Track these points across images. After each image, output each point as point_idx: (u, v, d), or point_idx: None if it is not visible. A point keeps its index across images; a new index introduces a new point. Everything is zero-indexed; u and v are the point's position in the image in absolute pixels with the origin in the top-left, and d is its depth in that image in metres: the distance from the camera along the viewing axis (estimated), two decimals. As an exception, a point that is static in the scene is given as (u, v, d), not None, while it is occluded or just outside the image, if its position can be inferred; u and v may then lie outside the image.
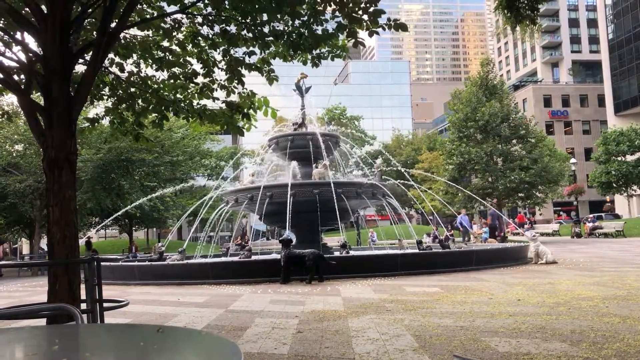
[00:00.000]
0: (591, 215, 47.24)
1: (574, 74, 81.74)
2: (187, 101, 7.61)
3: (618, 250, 20.33)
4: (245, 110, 7.40)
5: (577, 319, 6.57)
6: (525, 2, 8.57)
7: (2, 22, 6.30)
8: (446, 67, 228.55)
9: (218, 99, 7.55)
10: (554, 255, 16.00)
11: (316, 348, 5.53)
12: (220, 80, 7.59)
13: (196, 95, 7.64)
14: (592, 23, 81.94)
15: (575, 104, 72.43)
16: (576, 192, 43.87)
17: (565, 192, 45.85)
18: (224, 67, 7.47)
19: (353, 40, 6.25)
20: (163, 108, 7.50)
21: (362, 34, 6.35)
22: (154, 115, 7.72)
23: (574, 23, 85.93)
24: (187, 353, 1.29)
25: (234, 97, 7.58)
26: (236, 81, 7.45)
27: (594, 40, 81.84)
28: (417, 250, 16.65)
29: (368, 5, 6.00)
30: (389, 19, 6.04)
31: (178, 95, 7.66)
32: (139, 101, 7.59)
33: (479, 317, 6.99)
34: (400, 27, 6.01)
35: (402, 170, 28.43)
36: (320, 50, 6.87)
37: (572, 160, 44.50)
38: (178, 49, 7.60)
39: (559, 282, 10.79)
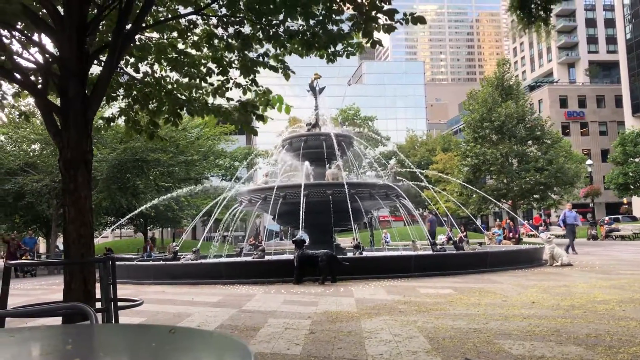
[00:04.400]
0: (608, 218, 46.67)
1: (591, 74, 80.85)
2: (202, 100, 7.64)
3: (635, 253, 20.08)
4: (260, 111, 7.42)
5: (593, 323, 6.50)
6: (538, 2, 8.49)
7: (20, 24, 6.38)
8: (461, 67, 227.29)
9: (232, 99, 7.58)
10: (570, 257, 15.84)
11: (329, 349, 5.53)
12: (235, 78, 7.61)
13: (210, 95, 7.67)
14: (610, 23, 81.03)
15: (592, 104, 71.66)
16: (592, 193, 43.42)
17: (581, 193, 45.38)
18: (239, 66, 7.49)
19: (370, 41, 6.24)
20: (177, 107, 7.55)
21: (378, 33, 6.32)
22: (167, 115, 7.77)
23: (591, 23, 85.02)
24: (198, 354, 1.30)
25: (249, 95, 7.61)
26: (251, 81, 7.48)
27: (611, 40, 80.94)
28: (430, 252, 16.60)
29: (382, 4, 5.99)
30: (405, 14, 6.02)
31: (192, 94, 7.70)
32: (153, 101, 7.65)
33: (492, 319, 6.94)
34: (419, 20, 5.98)
35: (416, 171, 28.34)
36: (335, 49, 6.87)
37: (589, 161, 44.06)
38: (193, 51, 7.65)
39: (574, 284, 10.67)
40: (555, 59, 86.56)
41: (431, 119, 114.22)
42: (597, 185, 49.79)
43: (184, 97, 7.65)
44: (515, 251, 17.01)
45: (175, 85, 7.73)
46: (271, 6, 6.28)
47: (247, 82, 7.50)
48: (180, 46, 7.67)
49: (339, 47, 6.87)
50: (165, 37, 7.64)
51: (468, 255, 15.84)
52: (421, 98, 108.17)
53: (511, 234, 31.32)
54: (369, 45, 6.42)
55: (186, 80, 7.65)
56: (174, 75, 7.81)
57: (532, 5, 8.10)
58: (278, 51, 7.23)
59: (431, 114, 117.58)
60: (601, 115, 71.45)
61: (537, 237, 24.31)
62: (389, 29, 6.07)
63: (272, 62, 7.35)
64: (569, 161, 38.06)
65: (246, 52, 7.34)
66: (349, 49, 6.95)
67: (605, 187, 54.67)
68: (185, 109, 7.58)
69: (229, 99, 7.61)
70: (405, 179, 22.72)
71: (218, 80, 7.62)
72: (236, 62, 7.47)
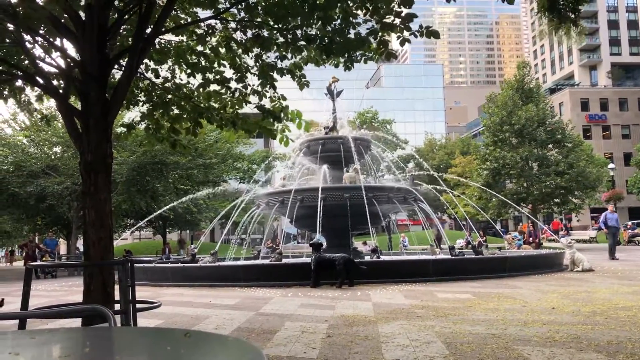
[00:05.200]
0: (630, 223, 45.91)
1: (614, 77, 79.74)
2: (221, 110, 7.69)
3: (658, 259, 19.72)
4: (277, 114, 7.45)
5: (614, 329, 6.40)
6: (568, 3, 8.41)
7: (42, 29, 6.49)
8: (480, 70, 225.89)
9: (250, 102, 7.62)
10: (591, 262, 15.63)
11: (345, 353, 5.52)
12: (253, 85, 7.66)
13: (229, 103, 7.72)
14: (633, 24, 79.98)
15: (614, 107, 70.65)
16: (614, 198, 42.77)
17: (603, 197, 44.73)
18: (257, 72, 7.53)
19: (385, 52, 6.23)
20: (197, 115, 7.60)
21: (394, 43, 6.32)
22: (188, 122, 7.83)
23: (613, 25, 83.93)
24: (213, 359, 1.31)
25: (265, 101, 7.64)
26: (268, 85, 7.51)
27: (634, 42, 79.85)
28: (449, 256, 16.49)
29: (400, 8, 5.97)
30: (420, 26, 6.00)
31: (212, 103, 7.76)
32: (174, 108, 7.71)
33: (511, 325, 6.86)
34: (432, 34, 5.96)
35: (435, 174, 28.20)
36: (352, 54, 6.87)
37: (611, 165, 43.42)
38: (212, 54, 7.70)
39: (595, 290, 10.52)
40: (576, 61, 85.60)
41: (450, 122, 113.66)
42: (620, 190, 49.06)
43: (203, 104, 7.71)
44: (535, 256, 16.81)
45: (195, 93, 7.79)
46: (289, 10, 6.30)
47: (265, 88, 7.54)
48: (199, 48, 7.73)
49: (357, 53, 6.87)
50: (184, 40, 7.70)
51: (487, 259, 15.70)
52: (440, 101, 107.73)
53: (531, 239, 31.02)
54: (383, 57, 6.40)
55: (205, 87, 7.69)
56: (194, 82, 7.87)
57: (561, 7, 8.03)
58: (296, 59, 7.27)
59: (450, 117, 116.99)
60: (624, 119, 70.41)
61: (558, 241, 24.01)
62: (403, 42, 6.05)
63: (290, 68, 7.38)
64: (590, 165, 37.54)
65: (263, 57, 7.38)
66: (367, 54, 6.94)
67: (628, 191, 53.89)
68: (204, 116, 7.63)
69: (247, 102, 7.65)
70: (423, 183, 22.60)
71: (236, 87, 7.66)
72: (255, 68, 7.51)
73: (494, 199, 35.68)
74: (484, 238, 28.26)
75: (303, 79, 7.47)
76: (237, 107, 7.66)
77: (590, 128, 69.36)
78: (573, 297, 9.52)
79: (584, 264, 15.02)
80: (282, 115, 7.43)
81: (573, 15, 8.66)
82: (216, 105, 7.71)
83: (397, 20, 5.98)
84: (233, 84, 7.69)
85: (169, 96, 7.66)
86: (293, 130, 8.07)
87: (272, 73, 7.36)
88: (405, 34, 5.94)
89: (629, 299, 9.07)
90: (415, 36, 5.96)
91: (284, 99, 7.55)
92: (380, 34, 6.15)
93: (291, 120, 7.55)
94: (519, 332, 6.38)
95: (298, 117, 7.53)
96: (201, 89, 7.64)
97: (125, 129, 7.89)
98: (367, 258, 16.46)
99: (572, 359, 5.00)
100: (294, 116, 7.53)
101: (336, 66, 7.17)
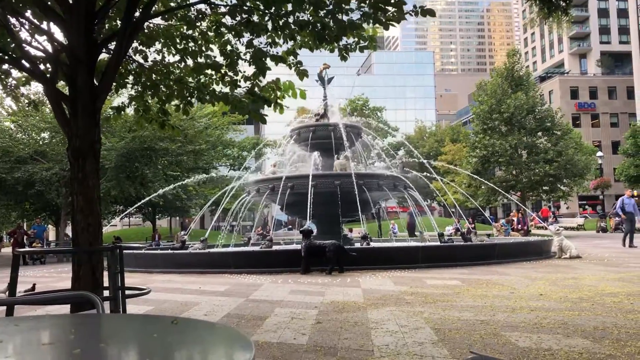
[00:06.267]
0: (618, 210, 46.29)
1: (603, 65, 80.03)
2: (211, 87, 7.62)
3: (645, 246, 19.91)
4: (272, 98, 7.37)
5: (601, 315, 6.47)
6: (558, -9, 8.39)
7: (28, 12, 6.38)
8: (471, 57, 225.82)
9: (240, 85, 7.55)
10: (578, 249, 15.77)
11: (335, 339, 5.54)
12: (244, 72, 7.57)
13: (220, 82, 7.63)
14: (623, 13, 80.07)
15: (603, 96, 71.02)
16: (602, 185, 43.12)
17: (591, 185, 45.07)
18: (248, 59, 7.43)
19: (379, 28, 6.17)
20: (187, 95, 7.53)
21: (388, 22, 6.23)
22: (177, 102, 7.76)
23: (603, 13, 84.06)
24: (199, 346, 1.30)
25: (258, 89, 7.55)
26: (258, 72, 7.41)
27: (624, 30, 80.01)
28: (438, 243, 16.58)
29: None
30: (415, 6, 5.96)
31: (201, 81, 7.67)
32: (163, 88, 7.63)
33: (499, 311, 6.92)
34: (428, 12, 5.91)
35: (425, 162, 28.26)
36: (347, 41, 6.80)
37: (599, 153, 43.69)
38: (200, 38, 7.62)
39: (582, 277, 10.63)
40: (566, 49, 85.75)
41: (440, 110, 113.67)
42: (608, 178, 49.40)
43: (193, 85, 7.64)
44: (523, 243, 16.94)
45: (184, 72, 7.71)
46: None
47: (257, 79, 7.43)
48: (189, 32, 7.64)
49: (351, 40, 6.79)
50: (173, 24, 7.61)
51: (476, 246, 15.80)
52: (430, 88, 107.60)
53: (519, 226, 31.24)
54: (383, 29, 6.31)
55: (197, 72, 7.60)
56: (183, 62, 7.78)
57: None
58: (289, 44, 7.17)
59: (440, 105, 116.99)
60: (612, 107, 70.81)
61: (546, 229, 24.22)
62: (399, 19, 6.00)
63: (283, 55, 7.25)
64: (579, 153, 37.74)
65: (255, 42, 7.29)
66: (361, 42, 6.86)
67: (615, 179, 54.28)
68: (195, 96, 7.56)
69: (237, 85, 7.57)
70: (413, 170, 22.65)
71: (227, 75, 7.58)
72: (246, 54, 7.40)
73: (483, 187, 35.85)
74: (473, 225, 28.42)
75: (300, 67, 7.22)
76: (227, 85, 7.59)
77: (580, 116, 69.71)
78: (560, 284, 9.61)
79: (571, 251, 15.16)
80: (273, 97, 7.36)
81: (564, 4, 8.65)
82: (205, 83, 7.63)
83: (390, 7, 5.94)
84: (223, 71, 7.62)
85: (158, 77, 7.58)
86: (284, 117, 8.02)
87: (263, 59, 7.26)
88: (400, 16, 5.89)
89: (615, 286, 9.17)
90: (411, 15, 5.92)
91: (279, 81, 7.46)
92: (373, 15, 6.09)
93: (284, 92, 7.47)
94: (507, 318, 6.44)
95: (291, 88, 7.45)
96: (192, 72, 7.56)
97: (114, 112, 7.81)
98: (357, 245, 16.52)
99: (559, 345, 5.05)
100: (287, 87, 7.45)
101: (331, 51, 7.04)
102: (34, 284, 9.87)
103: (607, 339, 5.23)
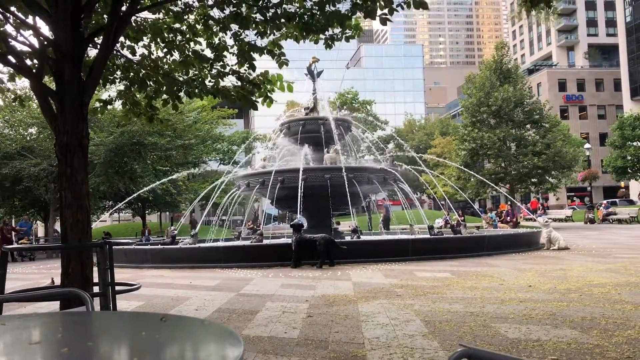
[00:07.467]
0: (605, 201, 46.76)
1: (590, 57, 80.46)
2: (200, 80, 7.57)
3: (632, 237, 20.16)
4: (262, 89, 7.33)
5: (589, 306, 6.54)
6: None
7: (14, 6, 6.30)
8: (460, 50, 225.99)
9: (229, 73, 7.50)
10: (567, 241, 15.91)
11: (326, 332, 5.56)
12: (232, 65, 7.53)
13: (209, 75, 7.58)
14: (610, 5, 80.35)
15: (591, 88, 71.42)
16: (590, 177, 43.42)
17: (579, 177, 45.40)
18: (235, 51, 7.40)
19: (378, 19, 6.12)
20: (175, 89, 7.48)
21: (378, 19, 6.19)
22: (166, 97, 7.71)
23: (590, 6, 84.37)
24: (188, 344, 1.29)
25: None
26: (247, 66, 7.38)
27: (611, 23, 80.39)
28: (428, 236, 16.65)
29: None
30: (404, -1, 5.93)
31: (190, 75, 7.63)
32: (151, 83, 7.58)
33: (489, 303, 6.98)
34: (421, 5, 5.88)
35: (414, 155, 28.33)
36: (332, 31, 6.78)
37: (587, 145, 44.01)
38: (188, 31, 7.56)
39: (570, 268, 10.73)
40: (554, 42, 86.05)
41: (430, 103, 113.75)
42: (595, 169, 49.74)
43: (181, 79, 7.58)
44: (512, 235, 17.07)
45: (172, 67, 7.65)
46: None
47: (245, 69, 7.40)
48: (177, 26, 7.57)
49: (337, 30, 6.78)
50: (161, 18, 7.54)
51: (465, 239, 15.90)
52: (420, 81, 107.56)
53: (508, 218, 31.41)
54: (377, 21, 6.27)
55: (185, 65, 7.54)
56: (171, 59, 7.72)
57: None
58: (276, 35, 7.14)
59: (430, 98, 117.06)
60: (600, 99, 71.25)
61: (535, 221, 24.38)
62: (390, 11, 5.96)
63: (269, 47, 7.24)
64: (567, 145, 37.98)
65: (242, 36, 7.24)
66: (347, 31, 6.86)
67: (603, 171, 54.70)
68: (183, 90, 7.51)
69: (226, 74, 7.52)
70: (403, 163, 22.69)
71: (215, 68, 7.54)
72: (234, 47, 7.36)
73: (472, 179, 36.00)
74: (463, 218, 28.53)
75: (282, 57, 7.29)
76: (217, 79, 7.55)
77: (568, 108, 70.05)
78: (549, 275, 9.70)
79: (560, 243, 15.29)
80: (263, 90, 7.33)
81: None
82: (194, 77, 7.58)
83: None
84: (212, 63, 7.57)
85: (146, 72, 7.51)
86: (273, 111, 8.00)
87: (251, 52, 7.22)
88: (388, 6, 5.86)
89: (602, 277, 9.27)
90: (402, 7, 5.90)
91: (267, 73, 7.43)
92: (365, 6, 6.05)
93: (273, 84, 7.45)
94: (496, 310, 6.49)
95: (279, 79, 7.43)
96: (180, 65, 7.51)
97: (101, 104, 7.73)
98: (348, 238, 16.54)
99: (548, 336, 5.10)
100: (275, 79, 7.43)
101: (316, 42, 7.04)
102: (53, 279, 9.94)
103: (594, 329, 5.29)
